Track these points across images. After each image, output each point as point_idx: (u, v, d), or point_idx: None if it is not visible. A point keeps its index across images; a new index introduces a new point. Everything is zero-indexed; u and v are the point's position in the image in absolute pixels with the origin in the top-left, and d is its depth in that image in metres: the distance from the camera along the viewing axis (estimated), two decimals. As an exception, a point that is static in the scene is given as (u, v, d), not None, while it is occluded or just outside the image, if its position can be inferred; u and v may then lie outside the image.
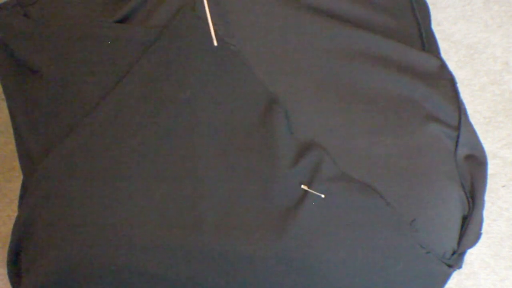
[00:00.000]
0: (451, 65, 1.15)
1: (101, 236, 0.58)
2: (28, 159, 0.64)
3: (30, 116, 0.64)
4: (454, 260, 0.64)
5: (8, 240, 0.69)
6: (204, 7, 0.62)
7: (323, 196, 0.58)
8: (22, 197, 0.65)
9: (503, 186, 1.05)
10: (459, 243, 0.64)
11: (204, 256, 0.58)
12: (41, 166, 0.61)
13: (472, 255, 1.01)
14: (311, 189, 0.58)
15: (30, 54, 0.64)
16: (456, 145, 0.65)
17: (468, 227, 0.63)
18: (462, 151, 0.65)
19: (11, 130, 0.73)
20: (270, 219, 0.58)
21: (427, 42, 0.74)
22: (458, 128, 0.66)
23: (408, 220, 0.60)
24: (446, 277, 0.66)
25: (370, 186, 0.60)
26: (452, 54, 1.15)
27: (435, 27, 1.07)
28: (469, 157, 0.66)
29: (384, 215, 0.59)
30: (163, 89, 0.61)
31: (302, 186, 0.58)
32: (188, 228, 0.58)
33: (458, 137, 0.65)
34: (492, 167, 1.07)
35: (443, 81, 0.69)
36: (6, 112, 0.74)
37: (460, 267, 0.66)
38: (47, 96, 0.63)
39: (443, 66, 0.71)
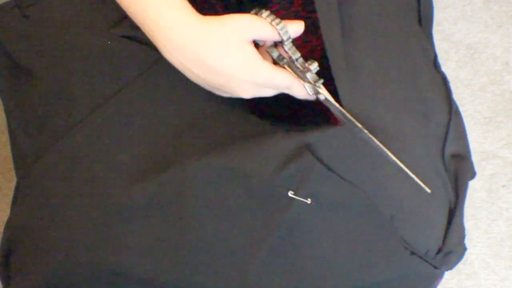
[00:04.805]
0: (451, 65, 1.16)
1: (93, 240, 0.58)
2: (22, 161, 0.64)
3: (25, 118, 0.64)
4: (440, 261, 0.63)
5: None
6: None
7: (309, 201, 0.58)
8: (14, 199, 0.65)
9: (503, 186, 1.05)
10: (444, 240, 0.63)
11: (192, 258, 0.58)
12: (34, 169, 0.60)
13: (472, 255, 1.01)
14: (298, 193, 0.58)
15: (27, 56, 0.64)
16: (444, 143, 0.65)
17: (451, 225, 0.63)
18: (449, 149, 0.65)
19: (11, 131, 0.73)
20: (255, 222, 0.58)
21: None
22: (447, 125, 0.66)
23: (388, 217, 0.60)
24: (432, 278, 0.65)
25: (356, 185, 0.59)
26: (452, 54, 1.15)
27: (435, 27, 1.07)
28: (455, 155, 0.66)
29: (367, 214, 0.59)
30: (157, 109, 0.61)
31: (290, 194, 0.58)
32: (176, 228, 0.58)
33: (446, 133, 0.65)
34: (492, 167, 1.07)
35: (436, 77, 0.69)
36: (6, 112, 0.75)
37: (449, 268, 0.65)
38: (42, 99, 0.63)
39: (436, 62, 0.70)
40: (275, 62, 0.59)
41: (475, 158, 1.07)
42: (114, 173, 0.59)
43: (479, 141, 1.09)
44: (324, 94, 0.59)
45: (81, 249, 0.58)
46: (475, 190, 1.06)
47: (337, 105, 0.59)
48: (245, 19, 0.56)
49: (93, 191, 0.58)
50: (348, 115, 0.58)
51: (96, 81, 0.61)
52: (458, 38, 1.16)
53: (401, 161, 0.58)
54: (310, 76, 0.59)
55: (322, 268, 0.60)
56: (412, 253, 0.61)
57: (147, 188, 0.58)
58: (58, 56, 0.63)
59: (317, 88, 0.58)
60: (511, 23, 1.17)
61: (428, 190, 0.58)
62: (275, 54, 0.59)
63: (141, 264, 0.58)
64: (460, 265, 0.96)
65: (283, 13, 0.61)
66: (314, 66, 0.58)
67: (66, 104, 0.61)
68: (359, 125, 0.58)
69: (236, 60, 0.55)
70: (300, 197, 0.58)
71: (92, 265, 0.58)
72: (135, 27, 0.61)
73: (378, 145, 0.58)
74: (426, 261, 0.62)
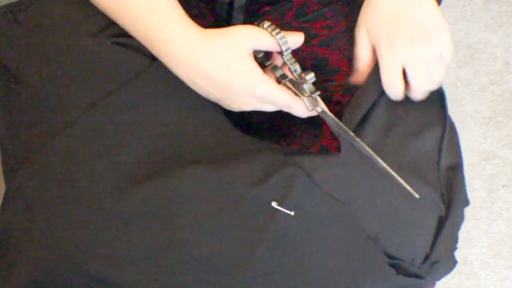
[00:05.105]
0: (451, 65, 1.16)
1: (78, 245, 0.58)
2: (10, 166, 0.64)
3: (12, 123, 0.64)
4: (426, 270, 0.61)
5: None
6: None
7: (292, 213, 0.58)
8: (3, 202, 0.65)
9: (503, 186, 1.05)
10: (432, 247, 0.62)
11: (177, 268, 0.58)
12: (20, 173, 0.61)
13: (472, 255, 1.01)
14: (281, 204, 0.58)
15: (17, 61, 0.64)
16: (439, 155, 0.65)
17: (440, 233, 0.62)
18: (444, 161, 0.65)
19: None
20: (241, 232, 0.58)
21: None
22: (441, 137, 0.66)
23: (373, 235, 0.59)
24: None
25: (340, 201, 0.59)
26: (452, 54, 1.15)
27: (435, 27, 1.07)
28: (450, 167, 0.66)
29: (350, 230, 0.59)
30: (146, 116, 0.61)
31: (273, 204, 0.58)
32: (162, 237, 0.58)
33: (440, 146, 0.65)
34: (492, 167, 1.07)
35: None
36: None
37: (437, 279, 0.64)
38: (30, 104, 0.63)
39: None
40: (278, 82, 0.61)
41: (475, 158, 1.07)
42: (101, 179, 0.59)
43: (479, 141, 1.09)
44: (321, 105, 0.60)
45: (66, 254, 0.58)
46: (475, 190, 1.06)
47: (332, 116, 0.60)
48: (246, 30, 0.58)
49: (80, 196, 0.58)
50: (342, 125, 0.59)
51: (85, 86, 0.62)
52: (458, 38, 1.16)
53: (390, 168, 0.59)
54: (307, 87, 0.60)
55: (306, 284, 0.60)
56: (398, 272, 0.60)
57: (134, 196, 0.58)
58: (47, 61, 0.63)
59: (314, 100, 0.60)
60: (511, 23, 1.17)
61: (417, 196, 0.58)
62: (278, 73, 0.61)
63: (126, 271, 0.58)
64: (460, 265, 0.96)
65: (275, 24, 0.62)
66: (310, 77, 0.60)
67: (54, 109, 0.61)
68: (352, 134, 0.59)
69: (236, 72, 0.57)
70: (284, 208, 0.58)
71: (76, 270, 0.58)
72: (123, 32, 0.61)
73: (369, 153, 0.59)
74: (412, 274, 0.60)
